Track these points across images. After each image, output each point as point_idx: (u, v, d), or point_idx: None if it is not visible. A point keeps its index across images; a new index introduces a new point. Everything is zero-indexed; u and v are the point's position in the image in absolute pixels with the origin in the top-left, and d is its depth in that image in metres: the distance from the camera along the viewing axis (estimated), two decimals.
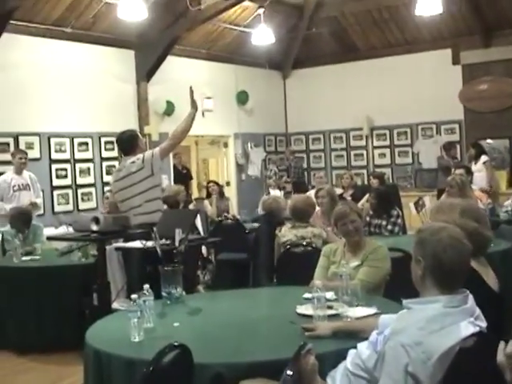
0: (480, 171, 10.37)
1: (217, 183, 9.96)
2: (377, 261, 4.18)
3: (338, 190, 9.79)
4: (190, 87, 5.53)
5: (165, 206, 6.14)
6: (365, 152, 13.80)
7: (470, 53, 12.42)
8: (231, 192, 12.80)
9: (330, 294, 3.56)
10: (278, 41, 11.84)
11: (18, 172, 8.07)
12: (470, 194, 6.77)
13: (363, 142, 13.79)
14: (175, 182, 10.76)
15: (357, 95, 13.50)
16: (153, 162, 5.35)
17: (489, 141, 12.25)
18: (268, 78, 13.95)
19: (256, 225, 7.86)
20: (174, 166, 11.73)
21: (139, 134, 5.97)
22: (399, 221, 6.78)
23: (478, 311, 2.49)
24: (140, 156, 5.42)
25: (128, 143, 5.55)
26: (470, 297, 2.49)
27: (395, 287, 4.30)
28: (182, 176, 11.52)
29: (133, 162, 5.42)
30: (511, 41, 11.96)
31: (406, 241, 6.21)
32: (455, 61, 12.60)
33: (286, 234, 5.63)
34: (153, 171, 5.35)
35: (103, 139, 10.45)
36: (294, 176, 12.87)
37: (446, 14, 10.85)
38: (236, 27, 12.18)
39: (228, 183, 13.02)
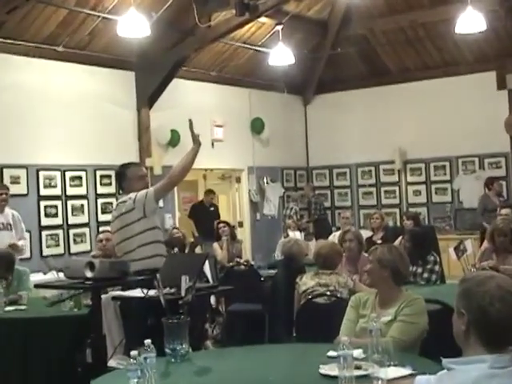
0: None
1: (228, 224, 9.99)
2: (412, 316, 4.16)
3: (367, 233, 9.79)
4: (190, 120, 5.60)
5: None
6: (397, 189, 13.82)
7: None
8: (244, 234, 12.84)
9: (358, 352, 3.54)
10: (299, 62, 11.96)
11: None
12: None
13: (395, 178, 13.83)
14: (198, 220, 10.89)
15: (388, 124, 13.59)
16: (145, 202, 5.36)
17: None
18: (287, 104, 14.08)
19: (272, 271, 7.84)
20: (200, 203, 11.83)
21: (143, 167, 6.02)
22: (437, 268, 6.75)
23: None
24: (132, 195, 5.43)
25: (126, 178, 5.61)
26: None
27: (433, 344, 4.29)
28: (208, 214, 11.65)
29: (123, 202, 5.45)
30: None
31: (445, 291, 6.21)
32: (501, 85, 12.67)
33: (308, 282, 5.63)
34: (145, 213, 5.36)
35: (99, 173, 10.55)
36: (315, 214, 12.91)
37: (490, 31, 10.94)
38: (250, 46, 12.34)
39: (241, 224, 13.05)
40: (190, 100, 11.83)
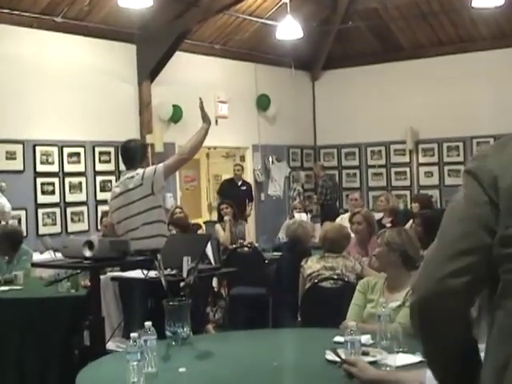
0: None
1: (231, 204, 10.00)
2: None
3: (377, 215, 9.81)
4: (200, 99, 5.65)
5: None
6: (408, 170, 13.82)
7: None
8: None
9: (365, 338, 3.57)
10: (307, 36, 11.90)
11: None
12: None
13: (406, 158, 13.82)
14: (227, 200, 10.90)
15: (399, 102, 13.56)
16: (154, 179, 5.43)
17: None
18: (294, 80, 14.05)
19: (277, 254, 7.89)
20: (230, 180, 11.88)
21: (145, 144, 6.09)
22: None
23: None
24: (140, 171, 5.50)
25: (135, 154, 5.67)
26: None
27: None
28: (240, 194, 11.63)
29: (131, 178, 5.51)
30: None
31: None
32: None
33: (313, 265, 5.65)
34: (153, 190, 5.43)
35: (98, 149, 10.57)
36: (320, 198, 12.88)
37: (508, 6, 10.87)
38: (257, 19, 12.29)
39: None
40: (193, 74, 11.82)
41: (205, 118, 5.67)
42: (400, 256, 4.30)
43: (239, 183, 12.11)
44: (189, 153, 5.63)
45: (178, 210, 9.10)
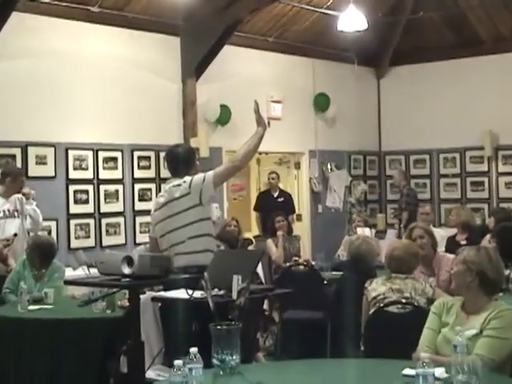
0: None
1: (286, 217, 10.00)
2: (502, 329, 4.13)
3: (449, 231, 9.72)
4: (255, 101, 5.66)
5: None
6: (486, 180, 13.68)
7: None
8: (303, 229, 12.85)
9: (439, 371, 3.53)
10: (372, 27, 11.88)
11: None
12: None
13: (484, 167, 13.69)
14: (265, 214, 10.90)
15: (477, 103, 13.44)
16: (203, 188, 5.47)
17: None
18: (357, 78, 14.02)
19: (337, 274, 7.87)
20: (265, 192, 11.95)
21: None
22: None
23: None
24: (187, 179, 5.54)
25: (184, 161, 5.73)
26: None
27: None
28: (277, 206, 11.57)
29: (177, 186, 5.55)
30: None
31: None
32: None
33: (378, 287, 5.62)
34: (201, 200, 5.47)
35: (137, 153, 10.69)
36: (407, 208, 12.50)
37: None
38: (316, 8, 12.31)
39: (299, 217, 13.06)
40: (244, 71, 11.87)
41: (260, 122, 5.69)
42: (477, 277, 4.26)
43: (275, 194, 12.09)
44: (241, 160, 5.65)
45: (233, 223, 9.12)
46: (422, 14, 13.21)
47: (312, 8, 12.28)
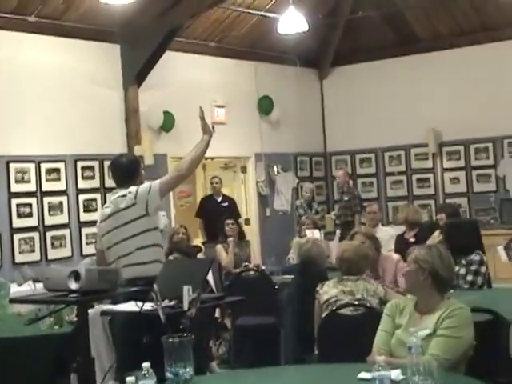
0: None
1: (236, 221, 9.96)
2: (455, 329, 4.13)
3: (398, 229, 9.76)
4: (200, 108, 5.65)
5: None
6: (431, 176, 13.80)
7: None
8: (252, 233, 12.81)
9: (395, 374, 3.52)
10: (313, 29, 11.91)
11: None
12: None
13: (429, 163, 13.81)
14: (209, 220, 10.78)
15: (419, 100, 13.56)
16: (149, 198, 5.41)
17: None
18: (299, 79, 14.06)
19: (288, 277, 7.83)
20: (208, 197, 11.80)
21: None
22: (483, 269, 6.72)
23: None
24: (133, 189, 5.48)
25: (129, 171, 5.67)
26: None
27: (482, 362, 4.26)
28: (221, 211, 11.43)
29: (123, 196, 5.48)
30: None
31: (494, 297, 6.19)
32: None
33: (330, 290, 5.61)
34: (147, 210, 5.41)
35: (80, 164, 10.55)
36: (355, 210, 12.47)
37: None
38: (256, 12, 12.30)
39: (247, 221, 13.03)
40: (186, 76, 11.81)
41: (205, 128, 5.67)
42: (430, 276, 4.26)
43: (219, 199, 11.99)
44: (187, 168, 5.61)
45: (181, 231, 9.03)
46: (361, 13, 13.28)
47: (252, 11, 12.27)
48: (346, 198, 12.56)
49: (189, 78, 11.80)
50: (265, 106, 13.39)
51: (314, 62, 14.43)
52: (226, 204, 11.94)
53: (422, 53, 13.64)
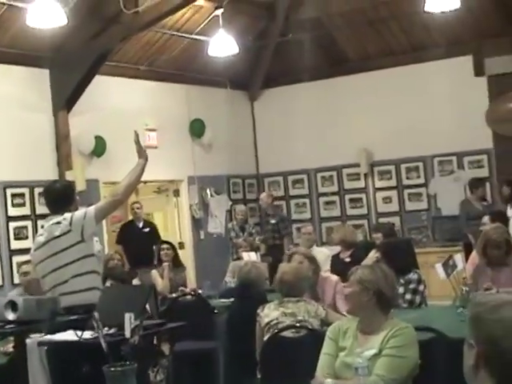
0: None
1: (173, 246, 9.90)
2: (401, 348, 4.14)
3: (333, 249, 9.81)
4: (135, 132, 5.68)
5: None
6: (364, 196, 13.90)
7: (497, 60, 12.66)
8: (186, 257, 12.71)
9: None
10: (243, 51, 11.96)
11: None
12: None
13: (361, 183, 13.91)
14: (131, 247, 10.64)
15: (350, 120, 13.67)
16: (84, 224, 5.37)
17: None
18: (230, 102, 14.06)
19: (226, 301, 7.82)
20: (130, 223, 11.62)
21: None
22: (421, 287, 6.79)
23: None
24: (67, 216, 5.43)
25: (63, 197, 5.61)
26: None
27: (427, 381, 4.28)
28: (143, 237, 11.40)
29: (57, 223, 5.42)
30: None
31: (432, 315, 6.24)
32: (478, 71, 12.86)
33: (271, 313, 5.59)
34: (83, 236, 5.37)
35: (9, 191, 10.40)
36: (285, 232, 12.52)
37: (464, 10, 11.08)
38: (186, 35, 12.30)
39: (181, 245, 12.94)
40: (117, 100, 11.73)
41: (141, 152, 5.68)
42: (374, 296, 4.27)
43: (140, 225, 11.82)
44: (123, 193, 5.59)
45: (116, 257, 8.92)
46: (291, 36, 13.37)
47: (182, 34, 12.27)
48: (272, 221, 12.55)
49: (120, 102, 11.72)
50: (196, 128, 13.37)
51: (244, 84, 14.47)
52: (147, 230, 11.78)
53: (351, 74, 13.75)
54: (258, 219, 14.26)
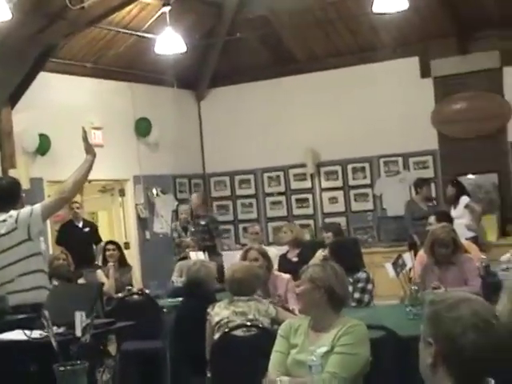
0: (461, 217, 10.62)
1: (118, 245, 9.83)
2: (352, 345, 4.16)
3: (279, 249, 9.82)
4: (83, 128, 5.65)
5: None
6: (310, 196, 13.94)
7: (443, 61, 12.83)
8: (132, 257, 12.61)
9: None
10: (190, 50, 11.89)
11: None
12: (464, 249, 6.95)
13: (308, 184, 13.96)
14: (71, 247, 10.52)
15: (297, 121, 13.71)
16: (31, 222, 5.34)
17: (470, 176, 12.59)
18: (177, 101, 14.01)
19: (173, 301, 7.84)
20: (69, 223, 11.50)
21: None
22: (369, 286, 6.84)
23: None
24: (13, 213, 5.40)
25: (9, 194, 5.58)
26: None
27: (378, 379, 4.31)
28: (83, 237, 11.28)
29: (3, 221, 5.38)
30: (494, 44, 12.43)
31: (380, 314, 6.28)
32: (425, 72, 13.01)
33: (221, 311, 5.58)
34: (30, 234, 5.34)
35: None
36: (208, 235, 12.32)
37: (412, 11, 11.15)
38: (133, 32, 12.21)
39: (127, 245, 12.84)
40: (61, 98, 11.60)
41: (89, 149, 5.63)
42: (326, 293, 4.28)
43: (80, 224, 11.66)
44: (70, 191, 5.57)
45: (62, 256, 8.81)
46: (239, 35, 13.35)
47: (129, 31, 12.18)
48: (202, 223, 12.45)
49: (65, 100, 11.59)
50: (142, 127, 13.29)
51: (191, 83, 14.42)
52: (87, 229, 11.65)
53: (298, 74, 13.79)
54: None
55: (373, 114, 13.13)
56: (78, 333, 3.94)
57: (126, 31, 12.15)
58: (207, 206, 13.68)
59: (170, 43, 11.11)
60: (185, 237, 11.90)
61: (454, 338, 2.43)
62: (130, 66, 12.94)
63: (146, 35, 12.11)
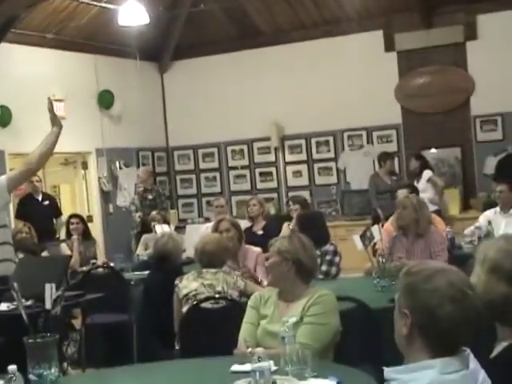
0: (424, 191, 10.69)
1: (82, 219, 9.77)
2: (322, 315, 4.18)
3: (244, 223, 9.82)
4: (49, 99, 5.75)
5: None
6: (274, 170, 13.96)
7: (407, 35, 12.86)
8: (95, 230, 12.52)
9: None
10: (154, 22, 11.83)
11: None
12: (431, 221, 7.01)
13: (271, 157, 13.96)
14: (31, 221, 10.44)
15: (261, 94, 13.68)
16: None
17: (434, 150, 12.68)
18: (140, 73, 13.89)
19: (139, 274, 7.84)
20: (28, 196, 11.39)
21: None
22: (337, 259, 6.87)
23: (482, 375, 2.51)
24: None
25: None
26: (472, 357, 2.51)
27: (348, 349, 4.34)
28: (43, 211, 11.14)
29: None
30: (458, 19, 12.48)
31: (348, 286, 6.32)
32: (388, 46, 13.02)
33: (189, 284, 5.57)
34: None
35: None
36: (153, 210, 12.05)
37: None
38: (95, 2, 12.05)
39: (90, 218, 12.75)
40: (23, 69, 11.46)
41: (55, 120, 5.62)
42: (294, 265, 4.30)
43: (39, 198, 11.44)
44: (37, 162, 5.55)
45: (25, 230, 8.71)
46: (203, 6, 13.24)
47: (91, 2, 12.00)
48: (150, 197, 12.37)
49: (26, 71, 11.46)
50: (105, 100, 13.17)
51: (154, 55, 14.31)
52: (46, 203, 11.50)
53: (263, 47, 13.73)
54: (168, 192, 14.15)
55: (337, 87, 13.14)
56: (48, 305, 3.92)
57: (88, 2, 11.95)
58: (154, 179, 13.51)
59: (133, 14, 11.07)
60: (141, 210, 11.89)
61: (431, 310, 2.44)
62: (92, 37, 12.79)
63: (108, 6, 11.95)
